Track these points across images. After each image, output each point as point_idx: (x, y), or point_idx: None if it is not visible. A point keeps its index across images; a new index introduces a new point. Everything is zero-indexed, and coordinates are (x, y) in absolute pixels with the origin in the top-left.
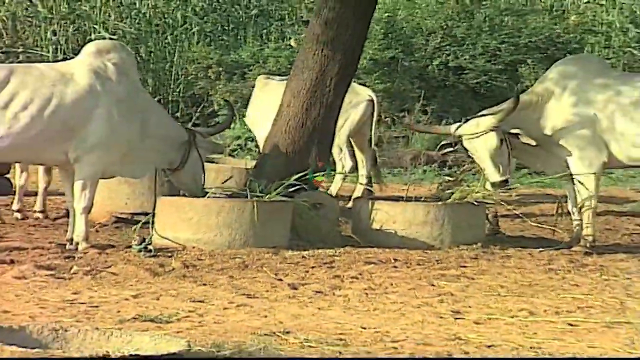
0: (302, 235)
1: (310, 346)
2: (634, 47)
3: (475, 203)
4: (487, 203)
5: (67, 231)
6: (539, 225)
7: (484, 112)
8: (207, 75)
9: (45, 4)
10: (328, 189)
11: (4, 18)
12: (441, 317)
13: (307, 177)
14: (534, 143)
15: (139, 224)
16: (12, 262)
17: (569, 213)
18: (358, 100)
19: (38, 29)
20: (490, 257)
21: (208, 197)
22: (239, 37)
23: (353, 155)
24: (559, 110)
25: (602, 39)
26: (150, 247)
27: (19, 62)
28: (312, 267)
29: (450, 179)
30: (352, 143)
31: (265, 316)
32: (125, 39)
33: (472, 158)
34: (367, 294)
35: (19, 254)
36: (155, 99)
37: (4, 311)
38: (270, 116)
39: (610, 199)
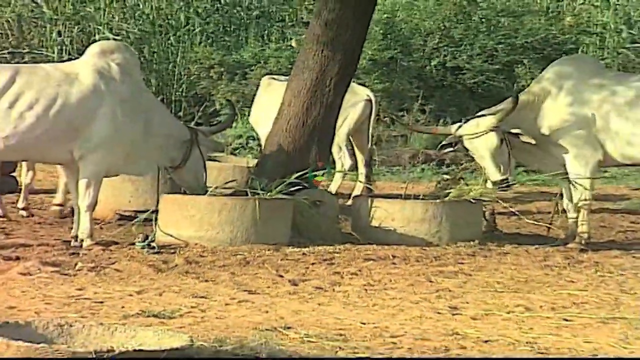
0: (302, 233)
1: (310, 341)
2: (628, 48)
3: (473, 201)
4: (484, 201)
5: (71, 228)
6: (535, 222)
7: (483, 112)
8: (209, 75)
9: (51, 6)
10: (328, 187)
11: (10, 19)
12: (439, 313)
13: (308, 175)
14: (534, 142)
15: (139, 219)
16: (17, 258)
17: (564, 211)
18: (356, 100)
19: (43, 30)
20: (487, 254)
21: (209, 195)
22: (240, 38)
23: (353, 154)
24: (555, 110)
25: (597, 39)
26: (153, 244)
27: (25, 62)
28: (313, 264)
29: (448, 177)
30: (352, 142)
31: (267, 312)
32: (129, 40)
33: (470, 157)
34: (366, 290)
35: (25, 250)
36: (159, 98)
37: (10, 307)
38: (273, 116)
39: (605, 196)
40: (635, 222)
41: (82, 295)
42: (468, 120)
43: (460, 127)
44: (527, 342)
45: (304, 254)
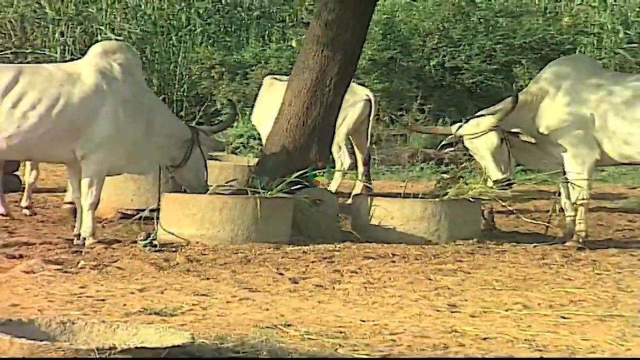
0: (302, 231)
1: (310, 338)
2: (625, 49)
3: (471, 200)
4: (483, 199)
5: (74, 227)
6: (534, 221)
7: (482, 112)
8: (211, 75)
9: (53, 6)
10: (327, 186)
11: (13, 20)
12: (438, 310)
13: (308, 174)
14: (534, 141)
15: (138, 216)
16: (21, 256)
17: (562, 210)
18: (356, 99)
19: (46, 30)
20: (486, 252)
21: (210, 194)
22: (241, 38)
23: (353, 153)
24: (553, 110)
25: (594, 40)
26: (155, 242)
27: (28, 62)
28: (313, 262)
29: (446, 176)
30: (352, 141)
31: (267, 309)
32: (130, 40)
33: (469, 156)
34: (366, 287)
35: (28, 249)
36: (160, 98)
37: (13, 304)
38: (275, 115)
39: (602, 195)
40: (633, 221)
41: (84, 293)
42: (468, 120)
43: (460, 127)
44: (525, 340)
45: (304, 252)
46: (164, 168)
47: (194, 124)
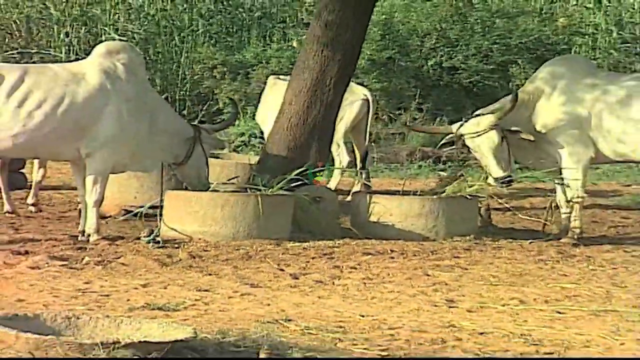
0: (303, 228)
1: (310, 333)
2: (619, 49)
3: (468, 197)
4: (480, 197)
5: (79, 224)
6: (529, 218)
7: (482, 110)
8: (213, 75)
9: (58, 7)
10: (327, 183)
11: (19, 20)
12: (436, 306)
13: (308, 172)
14: (532, 139)
15: (138, 211)
16: (26, 253)
17: (557, 207)
18: (353, 99)
19: (51, 30)
20: (483, 248)
21: (212, 191)
22: (243, 38)
23: (352, 151)
24: (549, 108)
25: (589, 40)
26: (158, 238)
27: (33, 62)
28: (313, 258)
29: (444, 174)
30: (352, 140)
31: (268, 304)
32: (134, 40)
33: (466, 154)
34: (365, 283)
35: (33, 245)
36: (163, 97)
37: (19, 300)
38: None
39: (597, 192)
40: (626, 218)
41: (89, 288)
42: (468, 119)
43: (461, 126)
44: (521, 334)
45: (304, 248)
46: (166, 166)
47: (196, 122)
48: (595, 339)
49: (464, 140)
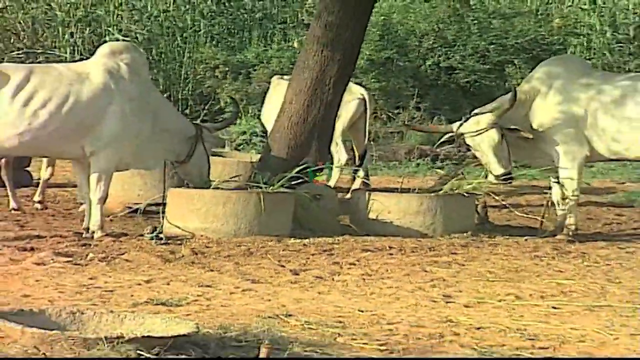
0: (303, 225)
1: (310, 328)
2: (613, 49)
3: (466, 194)
4: (477, 194)
5: (83, 221)
6: (525, 215)
7: (480, 109)
8: (215, 74)
9: (63, 9)
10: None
11: (24, 21)
12: (433, 301)
13: (308, 171)
14: (531, 136)
15: (140, 207)
16: (32, 249)
17: (553, 204)
18: (350, 98)
19: (56, 31)
20: (480, 245)
21: (214, 189)
22: (244, 39)
23: (351, 149)
24: (545, 108)
25: (584, 40)
26: (161, 235)
27: (39, 62)
28: (313, 254)
29: (442, 172)
30: (351, 138)
31: (269, 300)
32: (137, 41)
33: (464, 152)
34: (364, 279)
35: (39, 241)
36: (166, 96)
37: (25, 295)
38: None
39: (591, 190)
40: (620, 215)
41: (93, 284)
42: (468, 118)
43: (461, 125)
44: (517, 329)
45: (304, 245)
46: (169, 164)
47: (198, 121)
48: (590, 334)
49: (463, 139)
